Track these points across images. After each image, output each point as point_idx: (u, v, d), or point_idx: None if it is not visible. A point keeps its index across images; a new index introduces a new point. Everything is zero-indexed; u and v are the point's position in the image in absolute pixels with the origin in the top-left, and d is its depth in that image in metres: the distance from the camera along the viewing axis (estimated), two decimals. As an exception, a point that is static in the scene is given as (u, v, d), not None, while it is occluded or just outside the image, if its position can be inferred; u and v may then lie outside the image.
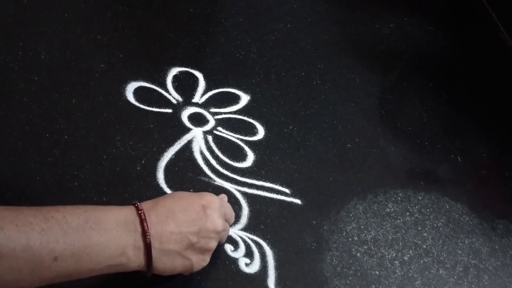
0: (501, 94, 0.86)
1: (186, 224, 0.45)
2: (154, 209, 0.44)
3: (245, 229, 0.57)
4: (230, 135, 0.67)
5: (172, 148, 0.63)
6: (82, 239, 0.38)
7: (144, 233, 0.42)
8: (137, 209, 0.44)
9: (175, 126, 0.65)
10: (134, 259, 0.42)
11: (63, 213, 0.38)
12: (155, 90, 0.69)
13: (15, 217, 0.36)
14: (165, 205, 0.45)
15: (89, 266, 0.39)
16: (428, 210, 0.66)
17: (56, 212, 0.38)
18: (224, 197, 0.56)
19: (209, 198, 0.48)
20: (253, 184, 0.62)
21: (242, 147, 0.66)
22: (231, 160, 0.64)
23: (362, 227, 0.62)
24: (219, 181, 0.61)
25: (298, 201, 0.62)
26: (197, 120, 0.67)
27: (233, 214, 0.54)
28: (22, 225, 0.35)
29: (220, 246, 0.54)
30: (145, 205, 0.45)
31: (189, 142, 0.64)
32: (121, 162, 0.60)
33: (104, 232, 0.40)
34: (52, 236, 0.36)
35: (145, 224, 0.42)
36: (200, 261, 0.47)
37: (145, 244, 0.42)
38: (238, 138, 0.67)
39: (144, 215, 0.43)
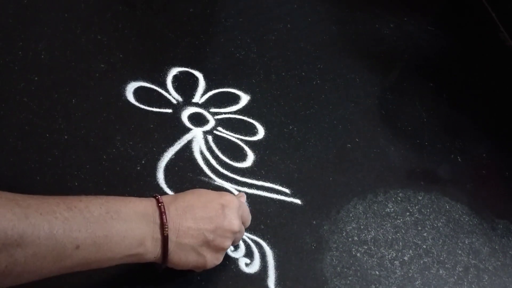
0: (501, 94, 0.86)
1: (203, 220, 0.45)
2: (174, 203, 0.45)
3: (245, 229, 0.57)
4: (230, 135, 0.67)
5: (172, 148, 0.63)
6: (103, 229, 0.39)
7: (163, 226, 0.43)
8: (158, 201, 0.44)
9: (175, 126, 0.66)
10: (152, 250, 0.43)
11: (85, 203, 0.39)
12: (155, 90, 0.69)
13: (39, 206, 0.36)
14: (184, 200, 0.46)
15: (109, 255, 0.40)
16: (428, 210, 0.66)
17: (79, 202, 0.39)
18: (243, 198, 0.56)
19: (228, 198, 0.49)
20: (253, 184, 0.62)
21: (242, 147, 0.66)
22: (231, 160, 0.64)
23: (362, 227, 0.62)
24: (219, 181, 0.61)
25: (298, 201, 0.62)
26: (197, 120, 0.67)
27: (250, 217, 0.54)
28: (46, 213, 0.36)
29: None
30: (165, 199, 0.45)
31: (189, 142, 0.64)
32: (121, 162, 0.60)
33: (124, 222, 0.41)
34: (74, 225, 0.37)
35: (164, 216, 0.43)
36: (214, 259, 0.47)
37: (162, 236, 0.43)
38: (238, 138, 0.67)
39: (164, 208, 0.44)
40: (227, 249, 0.49)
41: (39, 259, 0.35)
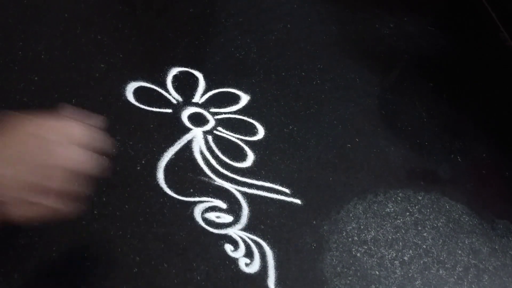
0: (501, 94, 0.86)
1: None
2: None
3: (245, 229, 0.57)
4: (230, 135, 0.67)
5: (172, 148, 0.63)
6: None
7: None
8: None
9: (175, 126, 0.65)
10: None
11: None
12: (155, 90, 0.69)
13: None
14: None
15: None
16: (428, 210, 0.66)
17: None
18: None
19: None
20: (253, 184, 0.62)
21: (242, 147, 0.66)
22: (231, 160, 0.64)
23: (362, 227, 0.62)
24: (219, 181, 0.61)
25: (298, 201, 0.62)
26: (197, 120, 0.67)
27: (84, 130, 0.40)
28: None
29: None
30: None
31: (189, 142, 0.64)
32: (121, 162, 0.60)
33: None
34: None
35: None
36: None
37: None
38: (238, 138, 0.67)
39: None
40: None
41: None
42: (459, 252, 0.62)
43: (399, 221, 0.63)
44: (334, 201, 0.63)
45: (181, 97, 0.69)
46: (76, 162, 0.38)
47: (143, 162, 0.61)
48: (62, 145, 0.37)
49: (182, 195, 0.59)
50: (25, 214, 0.36)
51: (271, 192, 0.62)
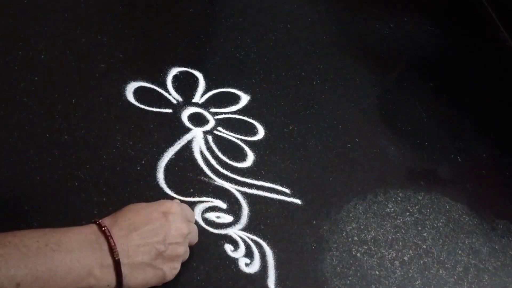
0: (501, 94, 0.86)
1: (150, 234, 0.44)
2: (116, 224, 0.43)
3: (245, 229, 0.57)
4: (230, 135, 0.67)
5: (172, 148, 0.63)
6: (45, 262, 0.36)
7: (112, 250, 0.41)
8: (99, 226, 0.42)
9: (175, 126, 0.66)
10: (103, 278, 0.40)
11: (20, 237, 0.37)
12: (155, 90, 0.69)
13: None
14: (125, 219, 0.44)
15: None
16: (428, 210, 0.66)
17: (13, 237, 0.36)
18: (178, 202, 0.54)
19: (167, 204, 0.48)
20: (253, 184, 0.62)
21: (242, 147, 0.66)
22: (231, 160, 0.64)
23: (362, 227, 0.62)
24: (219, 181, 0.61)
25: (298, 201, 0.62)
26: (197, 120, 0.67)
27: (193, 214, 0.54)
28: None
29: (193, 248, 0.53)
30: (106, 222, 0.44)
31: (189, 142, 0.64)
32: (121, 162, 0.60)
33: (67, 253, 0.38)
34: (11, 261, 0.34)
35: (111, 240, 0.41)
36: (171, 269, 0.46)
37: (113, 261, 0.41)
38: (238, 138, 0.67)
39: (109, 231, 0.42)
40: (182, 255, 0.48)
41: None
42: (459, 252, 0.62)
43: (399, 221, 0.63)
44: (334, 201, 0.63)
45: (181, 97, 0.69)
46: (191, 233, 0.49)
47: (143, 162, 0.61)
48: (181, 220, 0.48)
49: (182, 195, 0.59)
50: (146, 278, 0.44)
51: (271, 192, 0.62)
